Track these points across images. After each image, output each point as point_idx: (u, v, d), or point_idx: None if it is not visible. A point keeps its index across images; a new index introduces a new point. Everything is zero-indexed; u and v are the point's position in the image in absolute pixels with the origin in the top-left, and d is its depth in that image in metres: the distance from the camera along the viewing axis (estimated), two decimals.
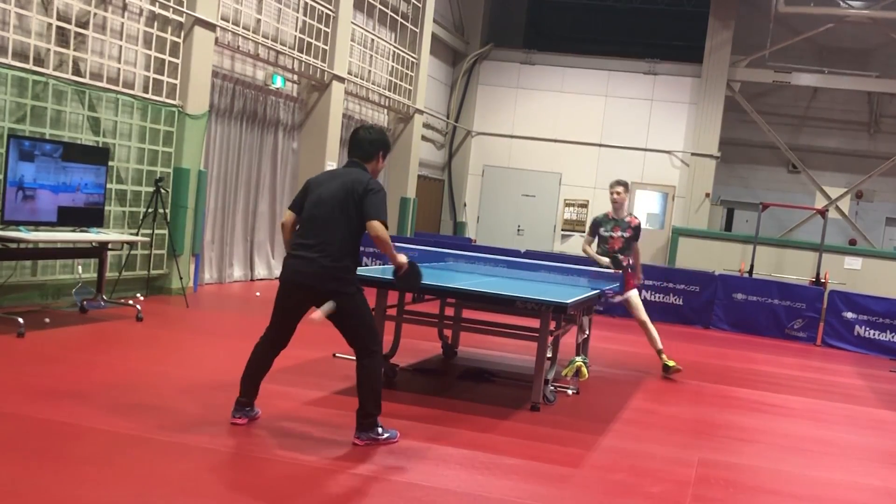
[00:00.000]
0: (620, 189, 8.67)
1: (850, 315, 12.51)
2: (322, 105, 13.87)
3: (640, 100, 20.81)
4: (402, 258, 5.31)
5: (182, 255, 10.38)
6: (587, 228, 9.00)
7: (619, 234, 8.58)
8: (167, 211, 9.95)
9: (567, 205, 21.18)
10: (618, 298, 8.62)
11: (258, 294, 11.70)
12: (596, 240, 8.69)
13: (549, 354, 6.83)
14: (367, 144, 5.30)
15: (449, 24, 20.49)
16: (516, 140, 21.44)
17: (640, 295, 8.82)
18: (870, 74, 20.06)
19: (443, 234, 20.50)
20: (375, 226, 5.02)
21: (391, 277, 5.61)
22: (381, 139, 5.37)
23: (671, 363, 8.65)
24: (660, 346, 8.69)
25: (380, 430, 5.18)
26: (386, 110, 17.03)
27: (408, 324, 7.23)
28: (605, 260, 8.49)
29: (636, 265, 8.80)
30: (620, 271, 8.42)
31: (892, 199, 21.03)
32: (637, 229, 8.67)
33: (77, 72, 9.00)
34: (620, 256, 8.56)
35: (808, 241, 18.56)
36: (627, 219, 8.67)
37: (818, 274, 16.35)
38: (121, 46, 9.58)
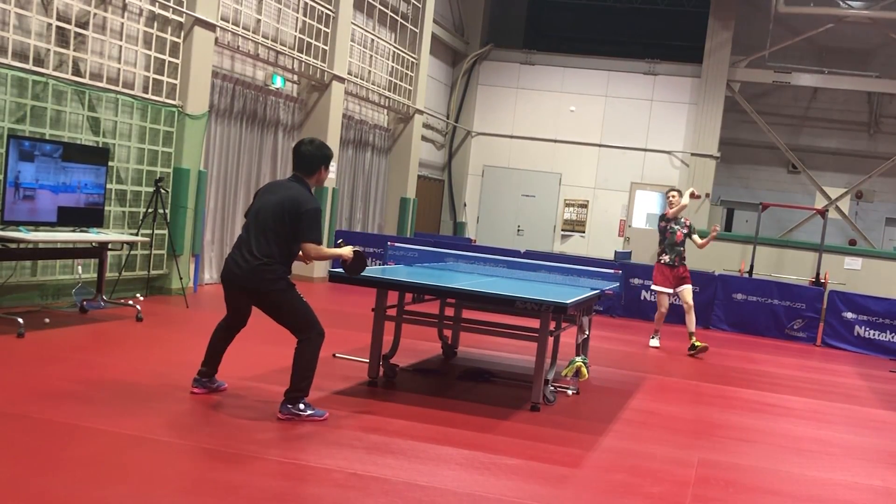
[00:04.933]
0: (675, 193, 10.74)
1: (849, 315, 12.51)
2: (322, 105, 13.88)
3: (640, 100, 20.81)
4: (345, 250, 5.90)
5: (182, 255, 10.38)
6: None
7: (679, 228, 10.61)
8: (167, 211, 9.95)
9: (567, 205, 21.18)
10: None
11: None
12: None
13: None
14: (308, 159, 5.78)
15: (449, 25, 20.50)
16: (516, 140, 21.44)
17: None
18: (870, 74, 20.06)
19: (443, 235, 20.50)
20: (307, 248, 5.61)
21: (341, 270, 6.17)
22: (320, 154, 5.81)
23: (699, 343, 10.39)
24: (692, 329, 10.57)
25: (301, 406, 5.54)
26: (386, 110, 17.03)
27: (408, 324, 7.22)
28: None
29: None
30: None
31: (892, 199, 21.03)
32: (691, 227, 10.78)
33: (77, 72, 9.00)
34: (682, 248, 10.56)
35: (807, 241, 18.56)
36: (683, 219, 10.68)
37: (818, 274, 16.35)
38: (121, 46, 9.58)
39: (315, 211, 5.62)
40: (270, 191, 5.82)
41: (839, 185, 20.97)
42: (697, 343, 10.34)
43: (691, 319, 10.54)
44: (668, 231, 10.52)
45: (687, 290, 10.61)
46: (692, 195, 10.95)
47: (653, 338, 10.79)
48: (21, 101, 8.20)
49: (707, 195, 20.15)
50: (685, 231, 10.58)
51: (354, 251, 5.94)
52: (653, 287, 10.83)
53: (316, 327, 5.67)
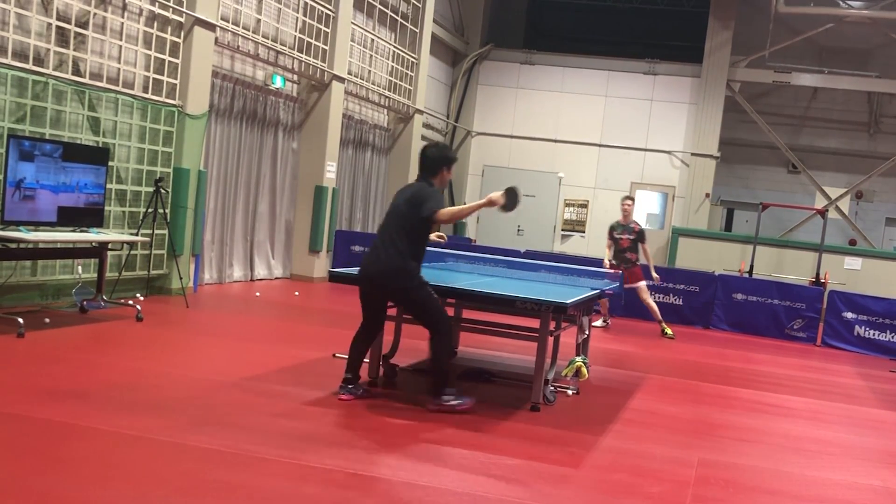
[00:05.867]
0: (629, 202, 11.91)
1: (849, 315, 12.51)
2: (322, 105, 13.88)
3: (640, 100, 20.81)
4: (493, 195, 6.05)
5: (182, 255, 10.38)
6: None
7: (626, 236, 11.73)
8: (167, 211, 9.95)
9: (567, 205, 21.17)
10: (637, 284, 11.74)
11: (258, 294, 11.70)
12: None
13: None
14: (431, 161, 6.22)
15: (449, 24, 20.49)
16: (516, 140, 21.43)
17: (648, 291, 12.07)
18: (870, 74, 20.05)
19: None
20: (439, 214, 5.98)
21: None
22: (442, 156, 6.26)
23: (669, 331, 11.84)
24: (660, 317, 11.98)
25: (445, 397, 6.06)
26: (386, 110, 17.03)
27: (408, 324, 7.22)
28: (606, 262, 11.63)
29: (648, 264, 11.93)
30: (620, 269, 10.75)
31: (892, 199, 21.03)
32: (640, 233, 11.76)
33: (77, 72, 9.00)
34: (628, 254, 11.69)
35: (808, 241, 18.56)
36: (632, 225, 11.78)
37: (818, 274, 16.35)
38: (121, 46, 9.58)
39: (433, 190, 6.12)
40: (400, 193, 6.30)
41: (839, 185, 20.96)
42: (668, 330, 11.86)
43: (654, 312, 11.94)
44: (614, 238, 11.82)
45: (641, 289, 11.82)
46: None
47: (598, 321, 11.86)
48: (21, 101, 8.20)
49: (707, 195, 20.15)
50: (632, 238, 11.72)
51: (506, 190, 6.07)
52: None
53: (445, 322, 6.19)
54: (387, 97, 16.47)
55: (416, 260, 6.10)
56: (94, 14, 9.21)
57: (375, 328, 6.40)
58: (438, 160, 6.21)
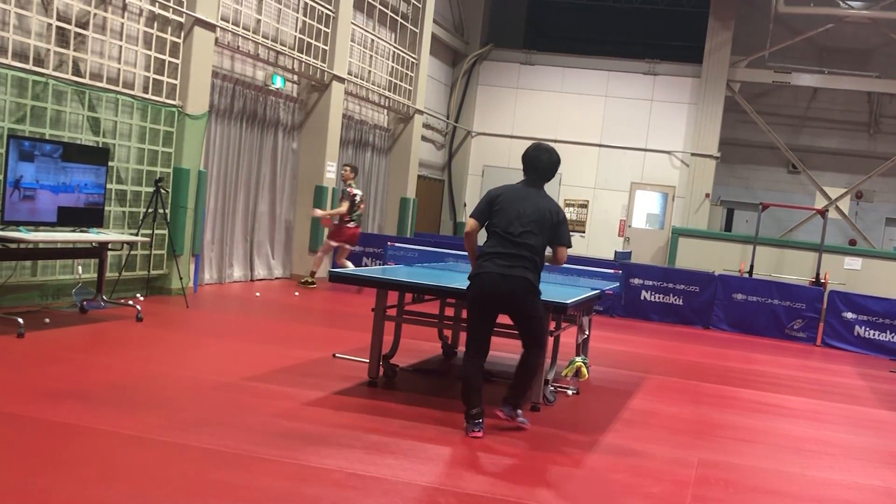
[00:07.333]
0: (347, 169, 12.88)
1: (849, 315, 12.51)
2: (322, 105, 13.88)
3: (640, 100, 20.81)
4: None
5: (182, 255, 10.38)
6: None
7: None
8: (167, 211, 9.95)
9: (567, 205, 21.17)
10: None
11: (258, 294, 11.70)
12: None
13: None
14: (553, 168, 6.03)
15: (449, 25, 20.50)
16: (516, 140, 21.43)
17: None
18: (870, 74, 20.06)
19: (443, 235, 20.50)
20: (564, 252, 5.93)
21: None
22: (558, 160, 6.10)
23: (312, 280, 12.87)
24: (315, 270, 12.96)
25: (520, 411, 5.86)
26: (386, 110, 17.03)
27: (408, 324, 7.22)
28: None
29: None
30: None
31: (892, 199, 21.03)
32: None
33: (77, 72, 8.99)
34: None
35: (808, 241, 18.56)
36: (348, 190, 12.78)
37: (818, 274, 16.35)
38: (121, 47, 9.58)
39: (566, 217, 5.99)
40: (519, 198, 5.86)
41: (839, 185, 20.97)
42: (311, 280, 12.88)
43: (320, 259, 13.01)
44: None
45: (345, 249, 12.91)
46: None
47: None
48: (21, 101, 8.20)
49: (707, 195, 20.16)
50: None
51: None
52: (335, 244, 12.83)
53: (546, 337, 6.01)
54: (387, 97, 16.47)
55: (540, 273, 5.83)
56: (94, 14, 9.21)
57: (487, 350, 5.88)
58: (556, 165, 6.02)
